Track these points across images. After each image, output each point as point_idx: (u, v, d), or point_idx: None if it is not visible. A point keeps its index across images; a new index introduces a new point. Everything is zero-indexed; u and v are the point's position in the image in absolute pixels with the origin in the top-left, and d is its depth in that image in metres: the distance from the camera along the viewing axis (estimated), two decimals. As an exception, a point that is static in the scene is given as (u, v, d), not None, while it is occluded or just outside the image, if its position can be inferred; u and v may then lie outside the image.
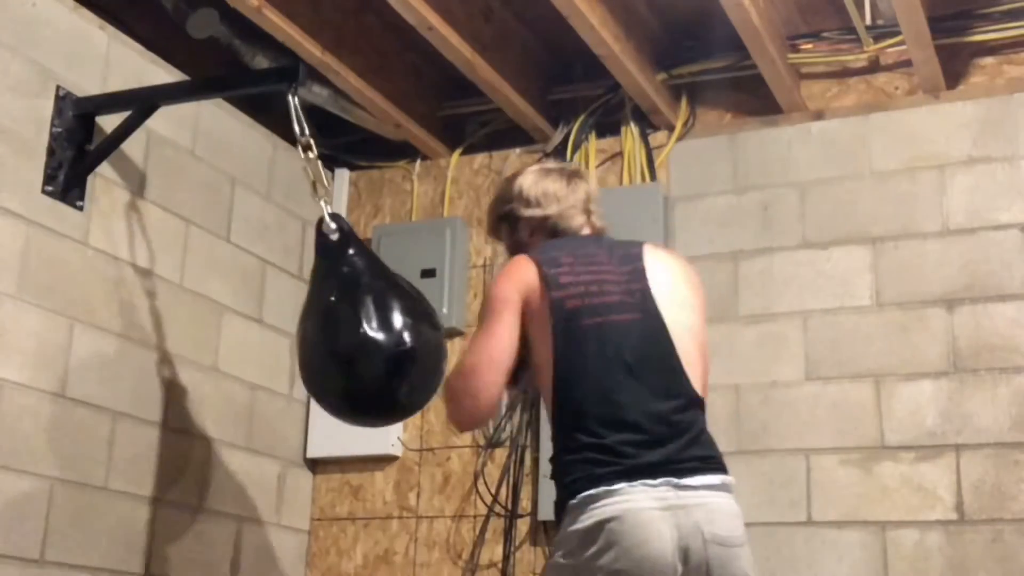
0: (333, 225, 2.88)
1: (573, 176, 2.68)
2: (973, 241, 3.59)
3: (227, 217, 3.89)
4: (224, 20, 3.67)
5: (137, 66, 3.55)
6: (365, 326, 2.79)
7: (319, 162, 2.96)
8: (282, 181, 4.15)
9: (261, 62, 3.79)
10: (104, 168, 3.40)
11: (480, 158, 4.32)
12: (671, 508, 2.25)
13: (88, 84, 3.39)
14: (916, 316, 3.59)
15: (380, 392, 2.87)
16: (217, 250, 3.83)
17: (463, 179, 4.32)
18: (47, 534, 3.13)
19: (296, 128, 2.98)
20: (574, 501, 2.28)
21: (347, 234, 2.90)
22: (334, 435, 4.05)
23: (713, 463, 2.37)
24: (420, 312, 2.91)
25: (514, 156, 4.26)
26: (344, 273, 2.88)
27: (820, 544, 3.52)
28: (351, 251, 2.90)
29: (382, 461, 4.13)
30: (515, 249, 2.66)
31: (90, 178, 3.35)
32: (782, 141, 3.90)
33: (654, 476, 2.26)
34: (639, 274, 2.50)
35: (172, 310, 3.59)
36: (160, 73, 3.61)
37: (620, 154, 4.09)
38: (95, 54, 3.43)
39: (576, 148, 4.11)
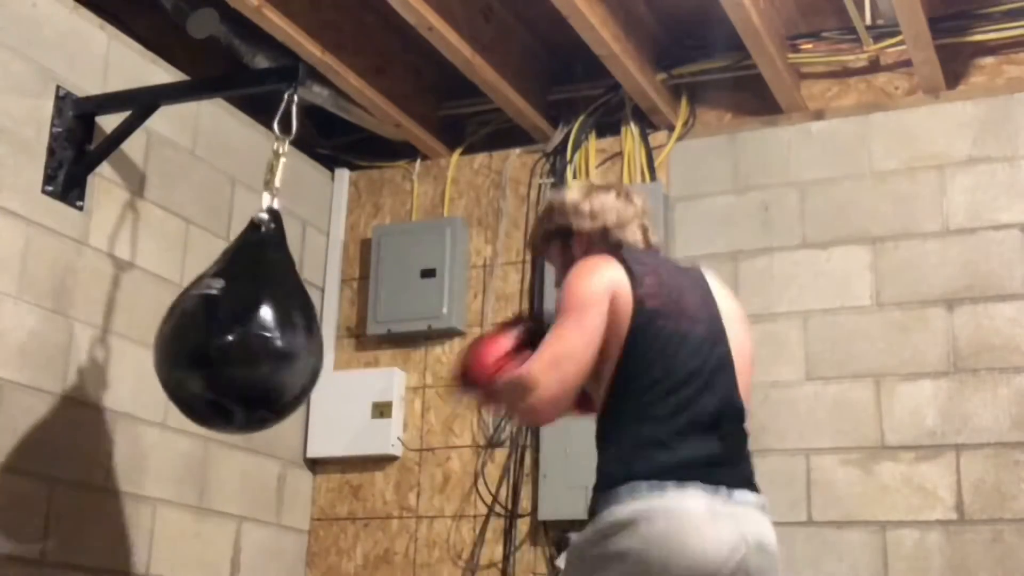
0: (266, 218, 3.06)
1: (626, 193, 2.60)
2: (973, 241, 3.59)
3: (227, 217, 3.89)
4: (224, 20, 3.68)
5: (137, 66, 3.55)
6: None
7: (283, 160, 3.09)
8: (282, 181, 4.13)
9: (261, 62, 3.79)
10: (104, 168, 3.40)
11: (480, 158, 4.32)
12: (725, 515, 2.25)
13: (88, 84, 3.38)
14: (916, 316, 3.59)
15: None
16: (217, 250, 3.79)
17: (463, 179, 4.32)
18: (47, 534, 3.13)
19: (279, 124, 3.05)
20: (623, 487, 2.22)
21: (274, 232, 3.07)
22: (334, 435, 4.05)
23: (755, 485, 2.39)
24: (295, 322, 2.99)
25: (514, 156, 4.26)
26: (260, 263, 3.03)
27: (820, 544, 3.52)
28: (271, 248, 3.06)
29: (382, 461, 4.13)
30: (567, 268, 2.51)
31: (90, 178, 3.35)
32: (782, 141, 3.90)
33: (712, 482, 2.25)
34: (708, 292, 2.48)
35: (172, 310, 3.59)
36: (160, 73, 3.61)
37: (620, 154, 4.08)
38: (95, 54, 3.43)
39: (576, 148, 4.11)
